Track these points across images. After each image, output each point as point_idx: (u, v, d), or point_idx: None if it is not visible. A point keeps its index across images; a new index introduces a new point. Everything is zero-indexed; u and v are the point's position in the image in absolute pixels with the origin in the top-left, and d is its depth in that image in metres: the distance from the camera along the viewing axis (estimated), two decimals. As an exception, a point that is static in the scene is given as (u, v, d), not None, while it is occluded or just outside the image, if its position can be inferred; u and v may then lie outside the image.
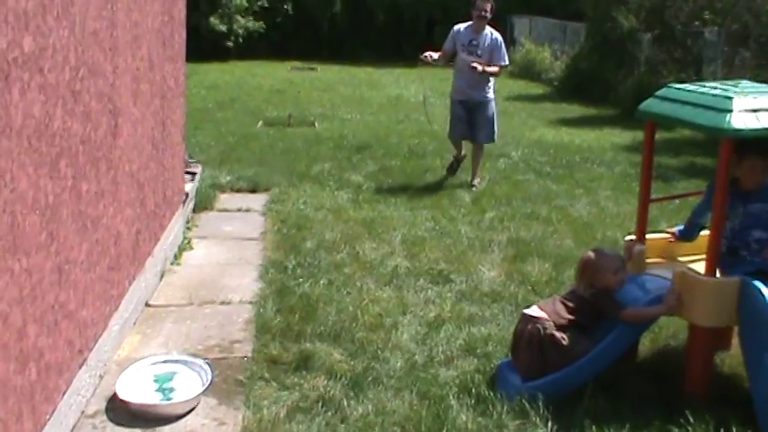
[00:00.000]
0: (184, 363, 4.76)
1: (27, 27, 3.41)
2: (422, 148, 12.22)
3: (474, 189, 9.98)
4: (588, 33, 21.59)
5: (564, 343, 4.64)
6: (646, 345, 5.34)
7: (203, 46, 23.66)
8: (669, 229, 5.49)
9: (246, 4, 27.66)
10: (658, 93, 5.00)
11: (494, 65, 10.10)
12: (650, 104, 4.98)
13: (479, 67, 9.84)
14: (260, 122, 14.56)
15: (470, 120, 10.30)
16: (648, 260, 5.15)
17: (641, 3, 19.26)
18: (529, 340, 4.72)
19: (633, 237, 5.23)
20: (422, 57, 10.20)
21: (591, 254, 4.90)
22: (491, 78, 10.25)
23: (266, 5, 28.34)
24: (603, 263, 4.80)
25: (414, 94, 19.34)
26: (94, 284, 4.52)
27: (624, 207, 9.25)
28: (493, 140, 10.55)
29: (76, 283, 4.18)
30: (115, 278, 4.99)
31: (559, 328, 4.69)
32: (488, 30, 10.17)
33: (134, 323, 5.48)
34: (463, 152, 10.50)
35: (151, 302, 5.90)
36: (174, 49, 6.80)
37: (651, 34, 18.97)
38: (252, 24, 27.59)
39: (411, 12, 29.20)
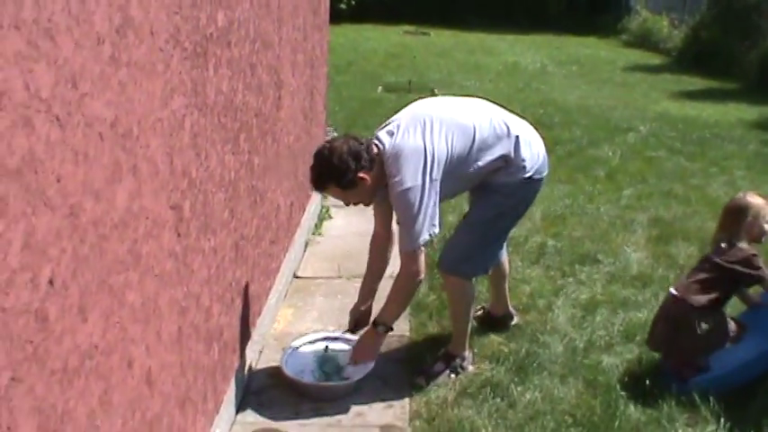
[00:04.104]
0: (346, 341, 4.69)
1: (221, 2, 3.35)
2: (549, 119, 11.94)
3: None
4: (710, 2, 20.96)
5: (698, 332, 4.43)
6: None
7: (316, 8, 23.65)
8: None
9: (359, -33, 27.58)
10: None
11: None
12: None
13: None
14: (380, 88, 14.47)
15: None
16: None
17: (768, -29, 18.63)
18: (666, 317, 4.55)
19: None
20: None
21: (747, 197, 4.55)
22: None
23: (378, -32, 28.22)
24: (762, 205, 4.48)
25: (530, 61, 19.10)
26: (260, 259, 4.50)
27: (763, 188, 8.88)
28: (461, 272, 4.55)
29: (247, 258, 4.15)
30: (274, 251, 4.96)
31: (700, 310, 4.45)
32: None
33: (285, 296, 5.45)
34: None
35: (299, 274, 5.87)
36: (320, 18, 6.74)
37: (779, 4, 18.34)
38: (364, -13, 27.52)
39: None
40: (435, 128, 4.14)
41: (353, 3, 27.15)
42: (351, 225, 7.00)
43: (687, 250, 6.70)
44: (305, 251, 6.27)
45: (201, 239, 3.21)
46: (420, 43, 22.00)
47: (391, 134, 4.16)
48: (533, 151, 4.40)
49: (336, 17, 25.86)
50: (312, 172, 4.16)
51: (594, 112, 13.20)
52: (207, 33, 3.16)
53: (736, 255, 4.44)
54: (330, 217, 7.19)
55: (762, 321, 4.64)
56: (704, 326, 4.43)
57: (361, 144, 4.10)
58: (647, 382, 4.49)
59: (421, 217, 4.04)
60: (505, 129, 4.30)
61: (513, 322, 5.17)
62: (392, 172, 4.06)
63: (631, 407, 4.28)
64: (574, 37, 25.48)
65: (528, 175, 4.38)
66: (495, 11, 28.72)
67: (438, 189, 4.08)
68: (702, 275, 4.52)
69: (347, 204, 4.32)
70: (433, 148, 4.06)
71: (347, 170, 4.02)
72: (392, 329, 4.39)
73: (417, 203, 4.02)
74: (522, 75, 16.76)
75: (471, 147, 4.20)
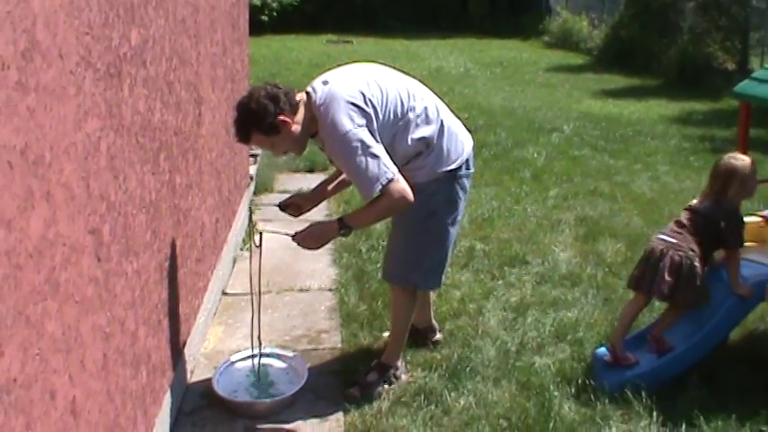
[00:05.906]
0: (277, 356, 4.67)
1: (133, 20, 3.30)
2: (473, 122, 11.93)
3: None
4: (628, 1, 21.24)
5: (698, 283, 4.47)
6: (734, 330, 5.19)
7: (238, 21, 23.46)
8: (760, 213, 5.33)
9: (280, -23, 27.44)
10: (755, 74, 4.88)
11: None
12: (747, 86, 4.84)
13: None
14: (304, 98, 14.41)
15: None
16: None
17: (685, -31, 18.92)
18: (670, 265, 4.49)
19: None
20: None
21: (732, 160, 4.56)
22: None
23: (299, -22, 28.12)
24: (748, 165, 4.54)
25: (454, 66, 19.20)
26: (187, 278, 4.44)
27: (685, 183, 9.10)
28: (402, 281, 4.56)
29: (173, 279, 4.09)
30: (201, 270, 4.90)
31: (702, 263, 4.53)
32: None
33: (214, 313, 5.40)
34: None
35: (228, 291, 5.81)
36: (240, 32, 6.70)
37: (695, 2, 18.60)
38: (285, -3, 27.37)
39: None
40: (372, 84, 4.06)
41: (275, 14, 27.01)
42: (279, 239, 6.91)
43: (614, 247, 6.78)
44: (233, 267, 6.21)
45: (123, 263, 3.16)
46: (343, 52, 21.94)
47: (325, 83, 4.08)
48: (458, 144, 4.34)
49: (258, 29, 25.82)
50: (235, 123, 4.03)
51: (518, 113, 13.30)
52: (120, 53, 3.11)
53: (729, 216, 4.54)
54: (258, 231, 7.12)
55: (689, 313, 4.69)
56: (701, 280, 4.50)
57: (280, 88, 4.01)
58: (580, 381, 4.53)
59: (370, 159, 3.89)
60: (436, 113, 4.24)
61: (434, 338, 5.04)
62: (324, 118, 3.95)
63: (565, 407, 4.31)
64: (496, 40, 25.67)
65: (451, 167, 4.29)
66: (417, 16, 28.83)
67: (378, 138, 3.98)
68: (694, 229, 4.57)
69: (276, 155, 4.17)
70: (370, 99, 3.98)
71: (266, 113, 3.91)
72: (348, 235, 4.26)
73: (360, 147, 3.89)
74: (445, 79, 16.81)
75: (402, 117, 4.10)
